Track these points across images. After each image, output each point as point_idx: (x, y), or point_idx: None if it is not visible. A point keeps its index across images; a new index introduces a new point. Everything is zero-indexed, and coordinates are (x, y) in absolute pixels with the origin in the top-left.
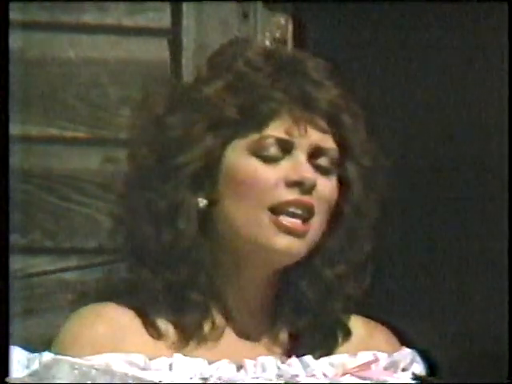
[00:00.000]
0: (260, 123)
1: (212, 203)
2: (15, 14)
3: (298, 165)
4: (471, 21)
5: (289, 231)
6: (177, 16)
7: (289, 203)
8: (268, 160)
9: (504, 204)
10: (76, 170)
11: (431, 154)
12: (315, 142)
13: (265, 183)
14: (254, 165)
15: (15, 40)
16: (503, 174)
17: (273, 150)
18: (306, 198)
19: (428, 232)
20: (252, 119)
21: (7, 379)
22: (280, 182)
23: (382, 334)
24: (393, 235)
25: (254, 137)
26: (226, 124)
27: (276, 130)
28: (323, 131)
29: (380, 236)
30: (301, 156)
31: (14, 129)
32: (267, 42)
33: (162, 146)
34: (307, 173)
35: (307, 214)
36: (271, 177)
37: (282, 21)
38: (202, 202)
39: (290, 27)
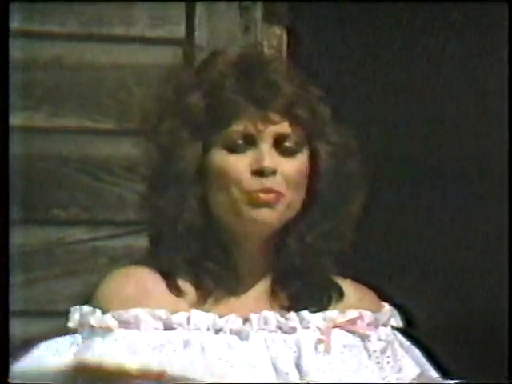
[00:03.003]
0: (226, 122)
1: (206, 192)
2: (54, 26)
3: (260, 155)
4: (471, 21)
5: (261, 204)
6: (190, 29)
7: (255, 191)
8: (235, 151)
9: (504, 180)
10: (107, 155)
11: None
12: (276, 131)
13: (234, 171)
14: (224, 156)
15: (55, 49)
16: (503, 161)
17: (238, 143)
18: (267, 186)
19: (424, 208)
20: (220, 120)
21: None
22: (246, 170)
23: (368, 296)
24: (389, 207)
25: (223, 135)
26: (203, 127)
27: (239, 126)
28: (278, 123)
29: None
30: (264, 146)
31: (55, 122)
32: (265, 50)
33: (159, 151)
34: (267, 162)
35: (273, 194)
36: (238, 165)
37: (278, 31)
38: (199, 192)
39: (285, 37)
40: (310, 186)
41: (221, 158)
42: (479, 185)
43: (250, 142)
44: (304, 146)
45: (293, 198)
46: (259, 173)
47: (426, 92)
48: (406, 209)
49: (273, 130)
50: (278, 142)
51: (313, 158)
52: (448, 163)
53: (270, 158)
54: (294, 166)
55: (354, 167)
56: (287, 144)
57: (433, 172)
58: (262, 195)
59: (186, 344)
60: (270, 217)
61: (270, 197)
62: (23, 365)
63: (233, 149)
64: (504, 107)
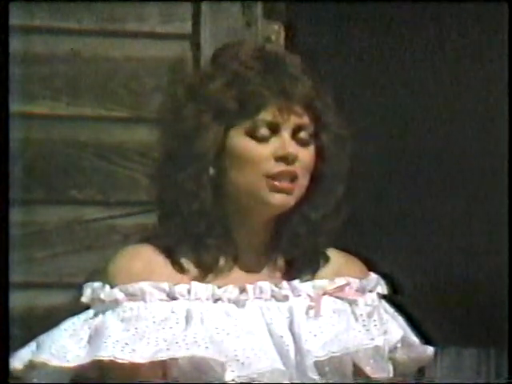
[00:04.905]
0: (253, 112)
1: (220, 174)
2: (72, 23)
3: (284, 143)
4: (471, 21)
5: (280, 190)
6: (196, 25)
7: (277, 174)
8: (260, 139)
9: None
10: (121, 141)
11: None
12: (296, 122)
13: (258, 158)
14: (250, 144)
15: (73, 43)
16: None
17: (263, 131)
18: (290, 168)
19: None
20: (246, 109)
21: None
22: (270, 157)
23: (354, 264)
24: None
25: (249, 122)
26: (227, 114)
27: (265, 116)
28: (300, 115)
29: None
30: (286, 135)
31: (73, 110)
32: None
33: (179, 134)
34: (290, 149)
35: (292, 179)
36: (263, 153)
37: (276, 27)
38: (212, 171)
39: (283, 32)
40: (315, 171)
41: (244, 144)
42: (478, 161)
43: (274, 130)
44: (313, 138)
45: (303, 184)
46: (283, 159)
47: (425, 91)
48: (398, 180)
49: (294, 120)
50: (295, 132)
51: (319, 148)
52: (446, 150)
53: (291, 145)
54: (308, 155)
55: (347, 153)
56: (303, 134)
57: (428, 151)
58: (279, 183)
59: (188, 313)
60: (287, 201)
61: (288, 184)
62: (43, 346)
63: (257, 136)
64: (504, 106)
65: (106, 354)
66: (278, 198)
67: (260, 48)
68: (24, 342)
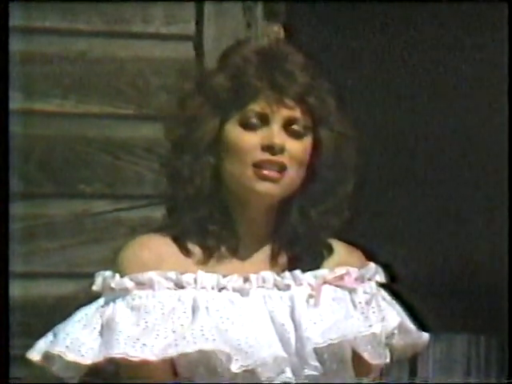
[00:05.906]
0: (244, 102)
1: (218, 164)
2: (80, 24)
3: (271, 133)
4: (471, 21)
5: (266, 178)
6: (199, 26)
7: (263, 161)
8: (249, 128)
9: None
10: (127, 137)
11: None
12: (286, 115)
13: (247, 146)
14: (239, 132)
15: (81, 44)
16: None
17: (253, 121)
18: (275, 158)
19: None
20: (239, 100)
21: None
22: (257, 146)
23: (355, 254)
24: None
25: (241, 113)
26: (223, 105)
27: (255, 106)
28: (291, 108)
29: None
30: (275, 126)
31: (81, 108)
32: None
33: (181, 123)
34: (277, 139)
35: (279, 169)
36: (251, 141)
37: (276, 28)
38: (212, 161)
39: (282, 33)
40: (314, 167)
41: (235, 133)
42: (477, 150)
43: (264, 121)
44: (310, 131)
45: (294, 175)
46: (269, 148)
47: (425, 91)
48: (395, 169)
49: (285, 113)
50: (288, 124)
51: (316, 143)
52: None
53: (279, 136)
54: (299, 147)
55: (351, 152)
56: (295, 127)
57: (428, 140)
58: (266, 172)
59: (194, 302)
60: (273, 190)
61: (275, 173)
62: (58, 338)
63: (247, 126)
64: (504, 106)
65: (118, 351)
66: (263, 186)
67: (265, 45)
68: (30, 331)
